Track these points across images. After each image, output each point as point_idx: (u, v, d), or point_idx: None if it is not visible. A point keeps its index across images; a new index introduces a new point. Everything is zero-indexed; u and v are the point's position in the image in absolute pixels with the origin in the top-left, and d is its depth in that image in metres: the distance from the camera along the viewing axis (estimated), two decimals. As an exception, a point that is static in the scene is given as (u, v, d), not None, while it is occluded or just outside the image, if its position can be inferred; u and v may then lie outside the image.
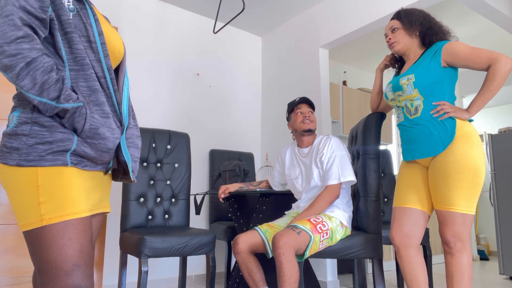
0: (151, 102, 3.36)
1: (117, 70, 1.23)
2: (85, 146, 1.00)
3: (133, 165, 1.16)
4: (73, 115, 0.96)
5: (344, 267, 3.69)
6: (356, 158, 2.22)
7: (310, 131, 2.17)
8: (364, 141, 2.09)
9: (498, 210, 3.66)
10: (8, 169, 0.96)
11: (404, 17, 1.83)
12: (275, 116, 3.93)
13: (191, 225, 3.42)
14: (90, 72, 1.03)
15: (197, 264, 3.42)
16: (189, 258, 3.37)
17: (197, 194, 2.69)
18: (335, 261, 3.18)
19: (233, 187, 2.36)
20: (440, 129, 1.66)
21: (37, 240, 0.94)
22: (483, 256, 4.97)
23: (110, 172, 1.18)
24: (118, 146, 1.11)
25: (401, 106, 1.80)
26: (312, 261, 3.21)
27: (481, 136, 5.91)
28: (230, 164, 2.95)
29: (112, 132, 1.06)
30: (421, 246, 3.51)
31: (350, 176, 2.01)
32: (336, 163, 2.02)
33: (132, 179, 1.19)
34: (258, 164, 4.01)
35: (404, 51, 1.84)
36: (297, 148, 2.24)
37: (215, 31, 3.20)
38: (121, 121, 1.13)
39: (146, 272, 2.07)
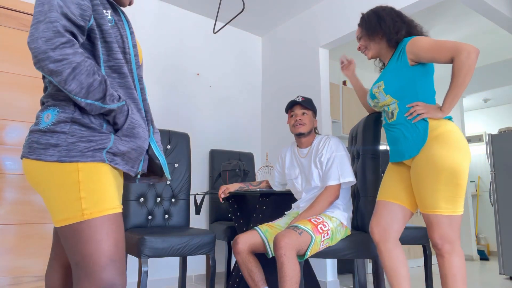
0: (151, 102, 3.36)
1: None
2: (120, 143, 1.06)
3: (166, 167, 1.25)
4: (117, 113, 1.04)
5: (344, 267, 3.69)
6: (356, 158, 2.22)
7: (301, 135, 2.17)
8: (364, 141, 2.09)
9: (498, 210, 3.66)
10: (44, 164, 0.98)
11: (361, 23, 1.83)
12: (275, 116, 3.93)
13: (191, 225, 3.42)
14: (127, 81, 1.10)
15: (197, 264, 3.42)
16: (189, 258, 3.37)
17: (197, 194, 2.69)
18: (335, 261, 3.18)
19: (233, 187, 2.36)
20: (413, 132, 1.64)
21: (76, 235, 0.97)
22: (483, 256, 4.96)
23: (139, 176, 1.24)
24: (150, 149, 1.19)
25: (382, 110, 1.81)
26: (312, 261, 3.21)
27: (481, 136, 5.91)
28: (230, 164, 2.95)
29: (145, 133, 1.13)
30: (420, 245, 3.51)
31: (349, 177, 2.01)
32: (335, 164, 2.02)
33: (169, 178, 1.27)
34: (258, 164, 4.01)
35: (377, 55, 1.83)
36: (297, 148, 2.24)
37: (215, 31, 3.20)
38: (147, 127, 1.19)
39: (146, 272, 2.07)
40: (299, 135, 2.17)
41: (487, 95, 5.43)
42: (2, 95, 2.53)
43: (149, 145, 1.18)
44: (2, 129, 2.51)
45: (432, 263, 4.23)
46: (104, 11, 1.06)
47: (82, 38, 1.02)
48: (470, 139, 5.91)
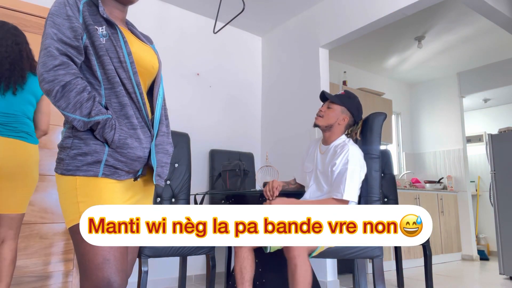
0: (151, 102, 3.36)
1: (153, 82, 1.34)
2: (117, 155, 1.11)
3: (158, 170, 1.23)
4: (104, 127, 1.09)
5: (344, 267, 3.68)
6: (356, 158, 2.21)
7: (317, 127, 2.14)
8: (364, 141, 2.09)
9: (498, 210, 3.66)
10: (57, 176, 1.13)
11: None
12: (275, 116, 3.93)
13: (191, 225, 3.41)
14: (120, 89, 1.15)
15: (197, 264, 3.42)
16: (189, 258, 3.37)
17: (197, 194, 2.69)
18: (335, 261, 3.18)
19: (280, 187, 2.20)
20: None
21: (75, 235, 1.04)
22: (483, 256, 4.97)
23: (138, 179, 1.23)
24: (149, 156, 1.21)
25: None
26: (312, 261, 3.20)
27: (481, 136, 5.90)
28: (230, 164, 2.95)
29: (140, 142, 1.16)
30: (421, 246, 3.50)
31: (352, 197, 1.91)
32: (345, 178, 1.92)
33: (154, 182, 1.23)
34: (258, 164, 4.01)
35: None
36: (320, 143, 2.22)
37: (215, 31, 3.20)
38: (150, 130, 1.22)
39: (146, 272, 2.07)
40: (316, 127, 2.15)
41: (487, 95, 5.43)
42: (2, 95, 2.53)
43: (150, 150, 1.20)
44: None
45: (432, 263, 4.22)
46: (99, 28, 1.14)
47: (79, 58, 1.11)
48: (470, 139, 5.91)
